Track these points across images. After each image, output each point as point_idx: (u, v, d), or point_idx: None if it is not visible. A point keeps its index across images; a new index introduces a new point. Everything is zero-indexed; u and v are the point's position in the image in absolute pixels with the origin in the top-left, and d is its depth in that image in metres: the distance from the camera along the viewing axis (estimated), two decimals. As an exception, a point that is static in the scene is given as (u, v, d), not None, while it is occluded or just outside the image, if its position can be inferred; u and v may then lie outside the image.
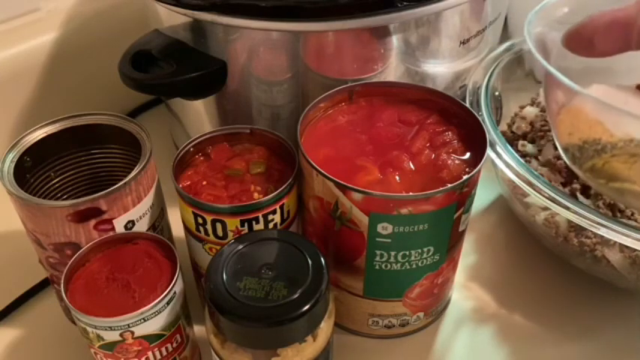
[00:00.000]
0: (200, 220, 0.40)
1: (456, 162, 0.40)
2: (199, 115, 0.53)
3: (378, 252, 0.39)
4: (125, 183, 0.38)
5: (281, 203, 0.40)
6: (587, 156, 0.37)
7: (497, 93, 0.53)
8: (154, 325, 0.36)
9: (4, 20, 0.59)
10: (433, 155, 0.40)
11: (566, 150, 0.40)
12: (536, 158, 0.52)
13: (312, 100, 0.43)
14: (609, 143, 0.35)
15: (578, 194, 0.47)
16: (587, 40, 0.30)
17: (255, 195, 0.41)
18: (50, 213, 0.38)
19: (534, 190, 0.42)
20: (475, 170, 0.38)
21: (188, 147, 0.43)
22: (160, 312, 0.36)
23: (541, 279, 0.50)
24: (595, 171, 0.37)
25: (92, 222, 0.39)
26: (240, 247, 0.36)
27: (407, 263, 0.40)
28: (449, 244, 0.40)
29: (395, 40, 0.46)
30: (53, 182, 0.45)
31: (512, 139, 0.55)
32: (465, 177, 0.37)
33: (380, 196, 0.36)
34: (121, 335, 0.35)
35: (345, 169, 0.39)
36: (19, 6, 0.60)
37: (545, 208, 0.46)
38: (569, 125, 0.38)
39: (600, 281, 0.47)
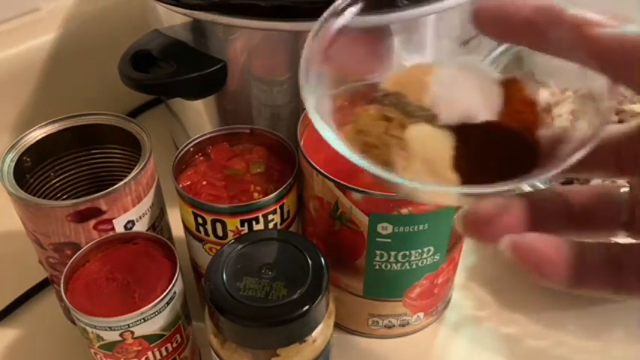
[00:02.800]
0: (200, 220, 0.40)
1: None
2: (199, 115, 0.53)
3: (378, 252, 0.39)
4: (125, 183, 0.38)
5: (281, 203, 0.40)
6: None
7: None
8: (154, 325, 0.36)
9: (4, 20, 0.59)
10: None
11: None
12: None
13: (312, 100, 0.43)
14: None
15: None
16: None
17: (255, 195, 0.41)
18: (50, 213, 0.38)
19: (534, 189, 0.42)
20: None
21: (188, 147, 0.43)
22: (160, 312, 0.36)
23: (541, 279, 0.50)
24: None
25: (92, 222, 0.39)
26: (240, 247, 0.36)
27: (407, 263, 0.40)
28: (449, 244, 0.40)
29: (395, 40, 0.46)
30: (53, 182, 0.45)
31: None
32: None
33: (380, 196, 0.36)
34: (120, 335, 0.35)
35: (345, 169, 0.39)
36: (19, 6, 0.60)
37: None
38: None
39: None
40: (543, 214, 0.27)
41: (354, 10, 0.31)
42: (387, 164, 0.28)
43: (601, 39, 0.23)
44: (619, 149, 0.27)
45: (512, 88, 0.31)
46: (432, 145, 0.29)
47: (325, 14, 0.30)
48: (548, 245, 0.24)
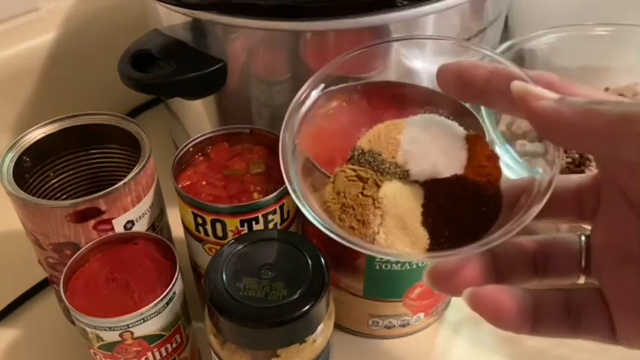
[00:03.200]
0: (200, 221, 0.40)
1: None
2: (199, 115, 0.53)
3: (378, 252, 0.39)
4: (125, 183, 0.38)
5: (281, 203, 0.40)
6: None
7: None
8: (154, 325, 0.36)
9: (4, 20, 0.59)
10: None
11: None
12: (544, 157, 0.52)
13: (312, 100, 0.43)
14: None
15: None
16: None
17: (255, 195, 0.41)
18: (49, 213, 0.38)
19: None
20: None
21: (188, 147, 0.43)
22: (160, 312, 0.36)
23: (541, 279, 0.50)
24: None
25: (91, 222, 0.39)
26: (240, 247, 0.36)
27: (407, 263, 0.40)
28: (449, 244, 0.40)
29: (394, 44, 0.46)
30: (52, 182, 0.45)
31: (511, 139, 0.55)
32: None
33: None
34: (120, 336, 0.35)
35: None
36: (19, 6, 0.60)
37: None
38: None
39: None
40: (506, 265, 0.29)
41: (315, 94, 0.34)
42: (363, 223, 0.30)
43: (540, 111, 0.25)
44: (579, 196, 0.29)
45: (475, 144, 0.32)
46: (403, 202, 0.31)
47: (289, 109, 0.33)
48: (505, 295, 0.27)
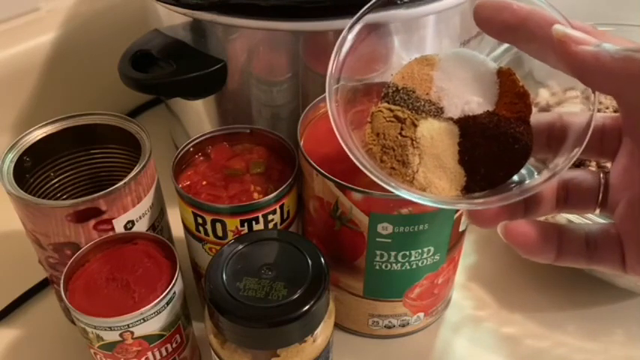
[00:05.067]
0: (200, 220, 0.40)
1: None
2: (199, 115, 0.53)
3: (378, 252, 0.39)
4: (125, 183, 0.38)
5: (281, 203, 0.40)
6: None
7: None
8: (154, 325, 0.36)
9: (4, 20, 0.59)
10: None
11: None
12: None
13: (312, 100, 0.43)
14: None
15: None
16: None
17: (255, 195, 0.41)
18: (50, 213, 0.38)
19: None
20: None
21: (188, 147, 0.43)
22: (160, 312, 0.36)
23: (541, 279, 0.50)
24: None
25: (92, 222, 0.39)
26: (240, 247, 0.36)
27: (407, 263, 0.40)
28: (449, 244, 0.40)
29: (395, 40, 0.46)
30: (53, 182, 0.45)
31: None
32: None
33: (380, 195, 0.36)
34: (120, 335, 0.35)
35: (345, 169, 0.39)
36: (19, 6, 0.60)
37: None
38: None
39: (600, 281, 0.47)
40: (533, 200, 0.31)
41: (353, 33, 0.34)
42: (403, 164, 0.32)
43: (580, 55, 0.27)
44: (602, 136, 0.31)
45: (507, 79, 0.33)
46: (439, 141, 0.32)
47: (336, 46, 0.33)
48: (534, 228, 0.29)
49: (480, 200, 0.31)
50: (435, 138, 0.32)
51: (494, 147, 0.31)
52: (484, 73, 0.33)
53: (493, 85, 0.33)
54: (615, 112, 0.48)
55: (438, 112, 0.32)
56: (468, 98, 0.33)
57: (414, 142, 0.32)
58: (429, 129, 0.32)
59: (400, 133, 0.32)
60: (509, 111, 0.32)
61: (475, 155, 0.31)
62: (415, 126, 0.32)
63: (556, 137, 0.32)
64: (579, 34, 0.27)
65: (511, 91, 0.33)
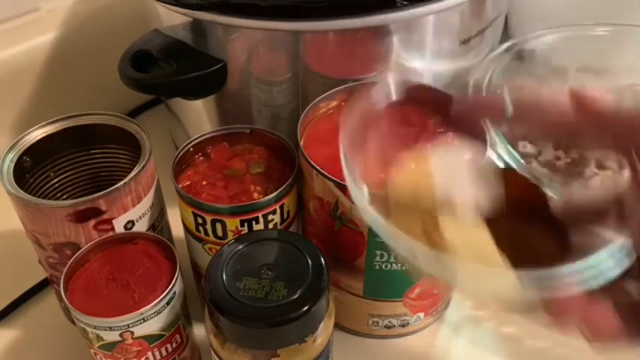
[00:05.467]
0: (200, 220, 0.40)
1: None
2: (199, 115, 0.53)
3: (378, 252, 0.39)
4: (125, 183, 0.38)
5: (281, 203, 0.40)
6: None
7: (498, 92, 0.53)
8: (154, 325, 0.36)
9: (4, 20, 0.59)
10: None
11: None
12: (537, 159, 0.52)
13: (312, 100, 0.43)
14: None
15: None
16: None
17: (255, 195, 0.41)
18: (50, 213, 0.38)
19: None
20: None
21: (188, 147, 0.43)
22: (160, 312, 0.36)
23: (541, 279, 0.50)
24: None
25: (92, 222, 0.39)
26: (240, 247, 0.36)
27: (406, 264, 0.40)
28: (449, 244, 0.40)
29: (395, 40, 0.46)
30: (53, 182, 0.45)
31: (512, 140, 0.55)
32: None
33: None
34: (120, 335, 0.35)
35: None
36: (19, 6, 0.60)
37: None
38: None
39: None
40: None
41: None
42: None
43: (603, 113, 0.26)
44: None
45: (509, 176, 0.32)
46: (470, 234, 0.29)
47: None
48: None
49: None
50: (465, 234, 0.29)
51: (524, 239, 0.29)
52: (483, 168, 0.32)
53: (495, 179, 0.31)
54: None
55: (453, 212, 0.29)
56: (475, 196, 0.30)
57: (443, 245, 0.28)
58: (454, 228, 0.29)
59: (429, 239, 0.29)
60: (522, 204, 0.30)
61: (511, 246, 0.28)
62: (439, 230, 0.29)
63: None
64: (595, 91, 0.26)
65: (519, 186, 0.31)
